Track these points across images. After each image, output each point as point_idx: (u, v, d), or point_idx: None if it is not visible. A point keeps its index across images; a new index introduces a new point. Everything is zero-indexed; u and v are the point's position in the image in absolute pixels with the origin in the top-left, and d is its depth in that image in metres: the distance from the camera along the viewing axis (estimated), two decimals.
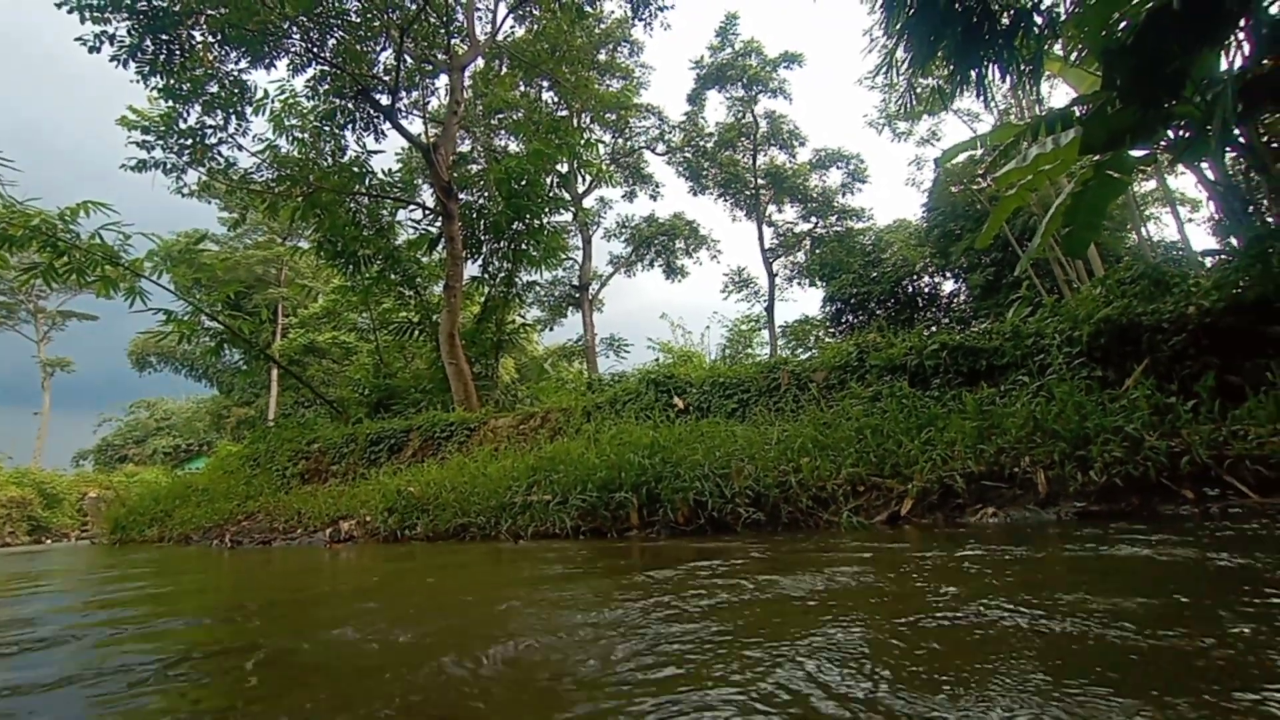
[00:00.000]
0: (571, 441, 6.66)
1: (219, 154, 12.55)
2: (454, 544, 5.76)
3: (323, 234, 13.23)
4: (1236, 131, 5.52)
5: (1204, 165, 6.86)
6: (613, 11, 21.40)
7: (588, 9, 16.70)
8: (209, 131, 12.22)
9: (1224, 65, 5.34)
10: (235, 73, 11.94)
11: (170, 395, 42.34)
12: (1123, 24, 5.42)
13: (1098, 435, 4.09)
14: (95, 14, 10.23)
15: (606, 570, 3.48)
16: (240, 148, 12.62)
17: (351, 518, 7.24)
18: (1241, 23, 4.76)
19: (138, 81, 11.02)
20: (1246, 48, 5.14)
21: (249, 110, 12.38)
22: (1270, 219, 6.56)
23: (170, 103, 11.65)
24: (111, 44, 10.55)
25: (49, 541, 18.71)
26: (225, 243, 32.55)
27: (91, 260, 10.76)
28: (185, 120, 11.96)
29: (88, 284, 11.26)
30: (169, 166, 12.42)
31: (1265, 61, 4.87)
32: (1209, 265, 7.08)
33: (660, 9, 15.50)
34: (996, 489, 4.23)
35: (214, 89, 11.76)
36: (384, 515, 6.69)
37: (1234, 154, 6.78)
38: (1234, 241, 6.37)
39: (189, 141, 12.13)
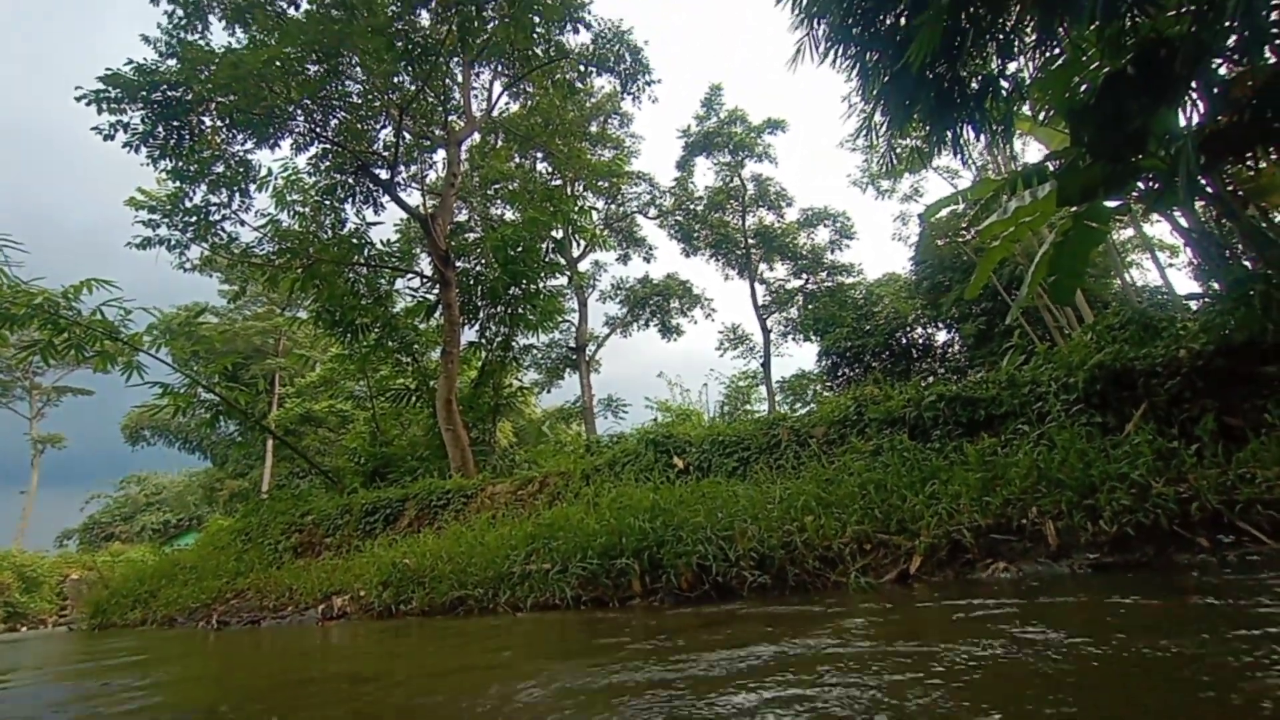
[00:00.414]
0: (570, 507, 6.53)
1: (222, 230, 12.89)
2: (450, 619, 5.54)
3: (321, 304, 13.41)
4: (1203, 182, 5.73)
5: (1177, 214, 7.10)
6: (603, 87, 22.54)
7: (578, 85, 17.61)
8: (213, 209, 12.59)
9: (1183, 121, 5.61)
10: (241, 153, 12.43)
11: (163, 469, 41.72)
12: (1083, 86, 5.72)
13: (1104, 483, 4.04)
14: (113, 106, 10.74)
15: (606, 651, 3.33)
16: (243, 223, 12.98)
17: (345, 593, 6.98)
18: (1193, 84, 5.03)
19: (148, 165, 11.44)
20: (1202, 106, 5.41)
21: (253, 187, 12.81)
22: (1247, 262, 6.72)
23: (177, 183, 12.06)
24: (125, 131, 11.01)
25: (24, 629, 17.90)
26: (225, 314, 32.95)
27: (91, 336, 10.84)
28: (191, 199, 12.35)
29: (86, 359, 11.31)
30: (173, 243, 12.73)
31: (1220, 118, 5.11)
32: (1194, 308, 7.20)
33: (648, 84, 16.35)
34: (1006, 542, 4.13)
35: (220, 169, 12.21)
36: (378, 589, 6.46)
37: (1204, 203, 7.02)
38: (1215, 285, 6.50)
39: (193, 219, 12.47)
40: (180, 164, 11.67)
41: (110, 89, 10.60)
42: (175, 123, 11.21)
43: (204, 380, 13.52)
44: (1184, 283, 21.05)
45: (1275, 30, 4.41)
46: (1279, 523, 3.49)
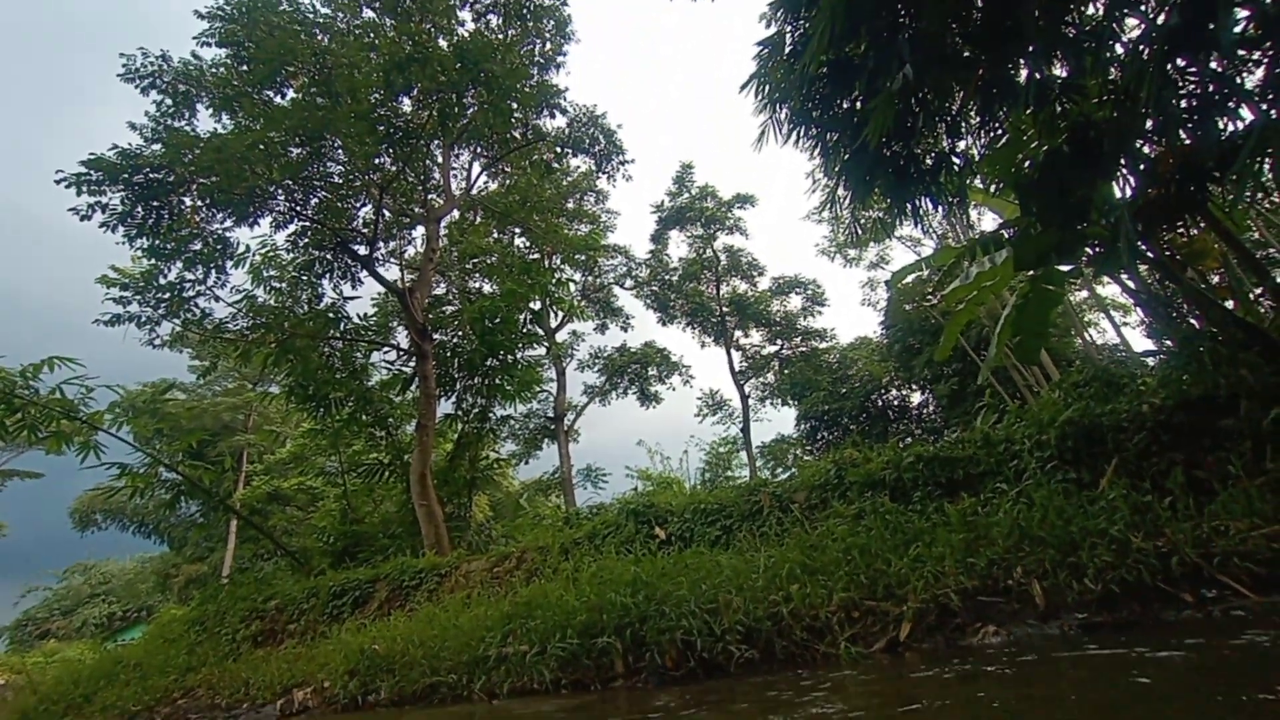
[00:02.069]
0: (549, 583, 6.27)
1: (195, 305, 12.77)
2: (422, 708, 5.16)
3: (295, 378, 13.17)
4: (1143, 247, 6.12)
5: (1125, 276, 7.52)
6: (579, 166, 23.56)
7: (555, 166, 18.38)
8: (188, 285, 12.52)
9: (1119, 193, 6.05)
10: (220, 231, 12.51)
11: (113, 555, 39.22)
12: (1027, 163, 6.17)
13: (1084, 540, 4.05)
14: (93, 188, 10.85)
15: None
16: (217, 299, 12.89)
17: (307, 685, 6.48)
18: (1122, 160, 5.46)
19: (123, 243, 11.43)
20: (1133, 180, 5.86)
21: (230, 264, 12.83)
22: (1194, 321, 7.08)
23: (153, 260, 12.02)
24: (103, 211, 11.07)
25: None
26: (193, 390, 32.12)
27: (48, 415, 10.44)
28: (166, 276, 12.28)
29: (39, 440, 10.82)
30: (143, 319, 12.53)
31: (1150, 190, 5.53)
32: (1152, 364, 7.49)
33: (622, 163, 17.15)
34: (994, 604, 4.06)
35: (198, 246, 12.23)
36: (344, 679, 6.02)
37: (1147, 266, 7.47)
38: (1169, 342, 6.81)
39: (167, 296, 12.36)
40: (157, 242, 11.67)
41: (92, 172, 10.74)
42: (155, 203, 11.32)
43: (166, 459, 12.98)
44: (1140, 340, 22.02)
45: (1185, 116, 4.86)
46: (1257, 575, 3.51)
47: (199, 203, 11.80)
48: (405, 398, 14.59)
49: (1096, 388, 6.11)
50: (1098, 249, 6.61)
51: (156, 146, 11.51)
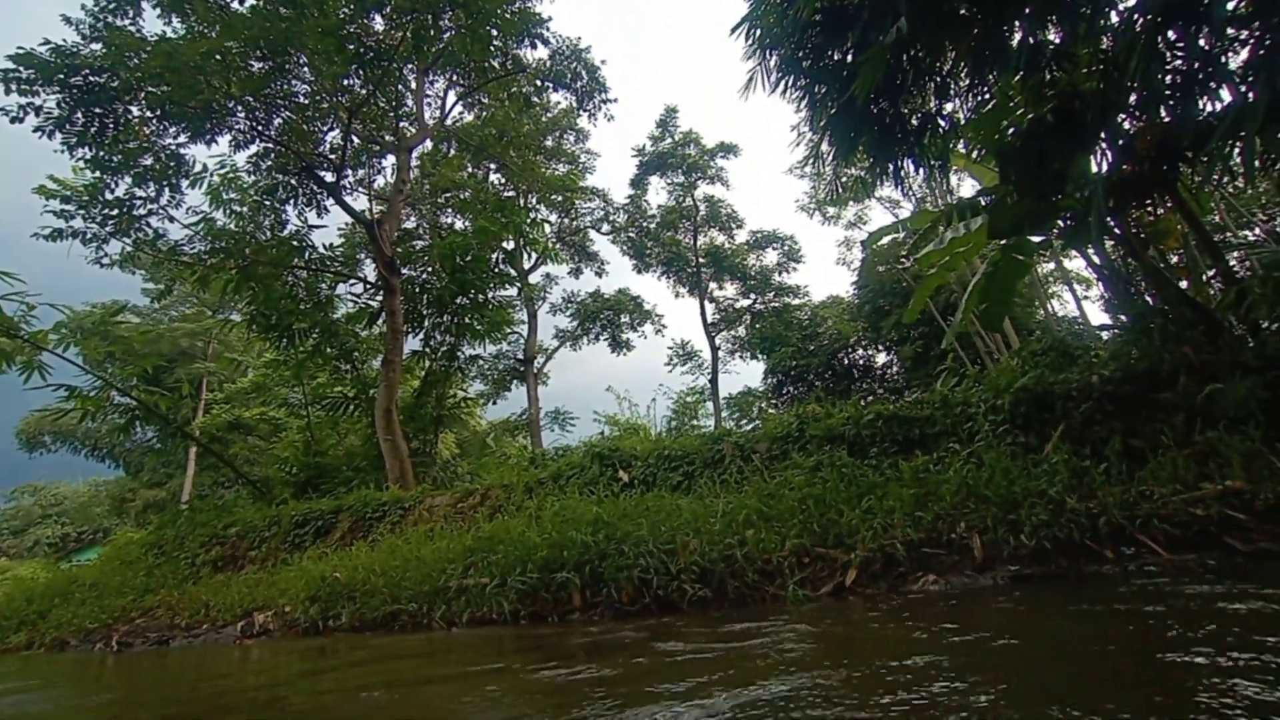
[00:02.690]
0: (512, 520, 6.40)
1: (147, 225, 12.09)
2: (381, 634, 5.30)
3: (257, 307, 12.73)
4: (1112, 223, 6.25)
5: (1091, 251, 7.69)
6: (559, 102, 22.64)
7: (535, 100, 17.60)
8: (138, 203, 11.81)
9: (1095, 168, 6.12)
10: (173, 147, 11.74)
11: (64, 478, 38.39)
12: (1011, 130, 6.16)
13: (1025, 499, 4.28)
14: (24, 87, 9.97)
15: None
16: (172, 219, 12.23)
17: (268, 609, 6.58)
18: (1102, 134, 5.49)
19: (62, 152, 10.64)
20: (1110, 155, 5.92)
21: (185, 183, 12.11)
22: (1149, 298, 7.34)
23: (97, 173, 11.26)
24: (37, 115, 10.23)
25: None
26: (148, 315, 30.87)
27: None
28: (113, 191, 11.54)
29: None
30: (89, 236, 11.83)
31: (1125, 167, 5.60)
32: (1105, 338, 7.79)
33: (604, 102, 16.53)
34: (936, 555, 4.30)
35: (148, 161, 11.48)
36: (305, 604, 6.12)
37: (1113, 242, 7.65)
38: (1123, 318, 7.07)
39: (114, 212, 11.65)
40: (102, 154, 10.89)
41: (22, 69, 9.84)
42: (97, 110, 10.49)
43: (119, 383, 12.56)
44: (1097, 314, 22.79)
45: (1168, 92, 4.88)
46: (1172, 535, 3.79)
47: (148, 114, 11.00)
48: (371, 332, 14.31)
49: (1053, 357, 6.34)
50: (1069, 222, 6.72)
51: (97, 46, 10.57)
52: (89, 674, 5.16)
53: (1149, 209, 6.55)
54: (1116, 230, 6.52)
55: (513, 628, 4.73)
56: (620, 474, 7.33)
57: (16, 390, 10.58)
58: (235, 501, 12.43)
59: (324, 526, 9.05)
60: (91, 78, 10.22)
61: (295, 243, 13.07)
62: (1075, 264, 20.21)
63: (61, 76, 10.03)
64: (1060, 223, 6.88)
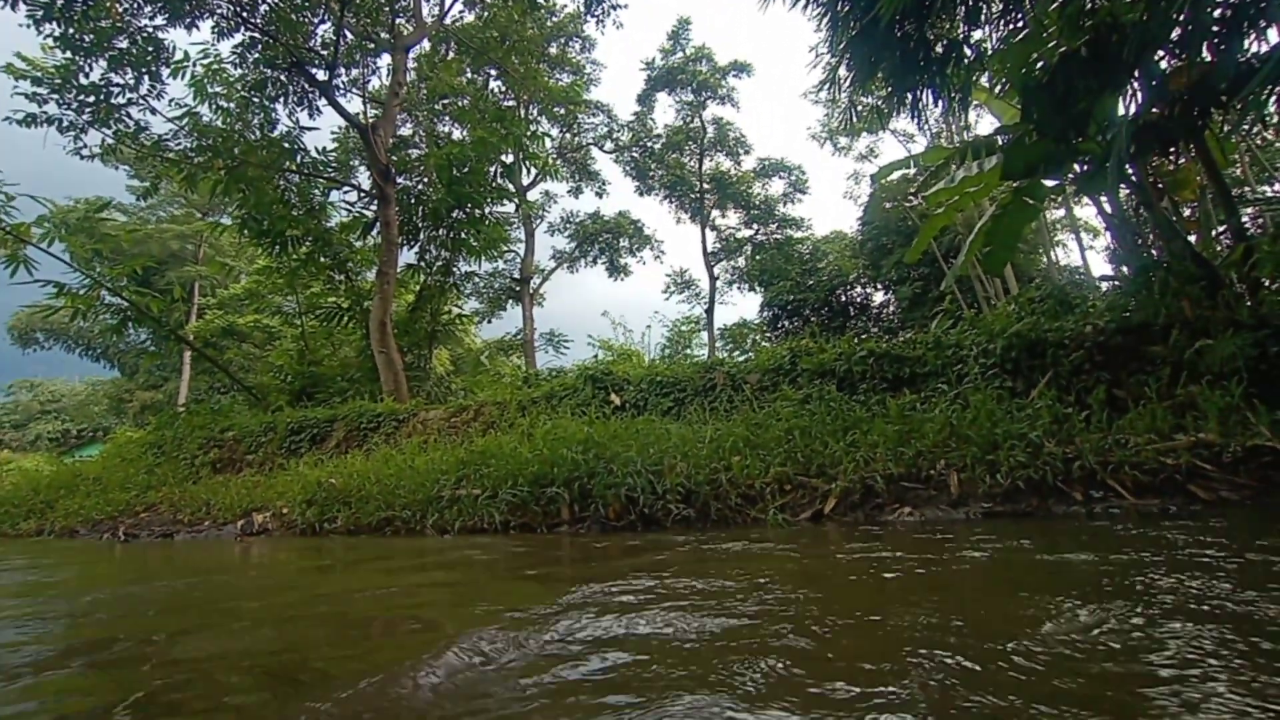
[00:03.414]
0: (504, 436, 6.55)
1: (127, 115, 11.52)
2: (376, 538, 5.54)
3: (247, 211, 12.37)
4: (1130, 170, 6.07)
5: (1103, 199, 7.52)
6: (565, 5, 21.22)
7: (539, 1, 16.46)
8: (115, 90, 11.18)
9: (1122, 110, 5.87)
10: (149, 29, 10.99)
11: (61, 375, 38.65)
12: (1040, 63, 5.85)
13: (1005, 441, 4.40)
14: None
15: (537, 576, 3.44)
16: (154, 111, 11.64)
17: (266, 509, 6.82)
18: (1136, 73, 5.23)
19: (28, 26, 9.94)
20: (1141, 96, 5.66)
21: (165, 72, 11.44)
22: (1155, 251, 7.25)
23: (69, 54, 10.58)
24: None
25: None
26: (135, 213, 30.04)
27: None
28: (87, 75, 10.89)
29: None
30: (65, 124, 11.28)
31: (1154, 110, 5.37)
32: (1104, 289, 7.76)
33: (613, 7, 15.46)
34: (914, 489, 4.47)
35: (124, 44, 10.79)
36: (302, 507, 6.35)
37: (1127, 191, 7.46)
38: (1125, 270, 7.02)
39: (91, 99, 11.05)
40: (72, 31, 10.19)
41: None
42: None
43: (109, 282, 12.39)
44: (1100, 265, 22.59)
45: (1215, 28, 4.61)
46: (1140, 482, 3.94)
47: None
48: (366, 243, 14.03)
49: (1050, 305, 6.33)
50: (1086, 167, 6.53)
51: None
52: (106, 559, 5.41)
53: (1171, 157, 6.35)
54: (1133, 178, 6.35)
55: (503, 536, 4.94)
56: (612, 397, 7.44)
57: (3, 284, 10.41)
58: (231, 407, 12.60)
59: (319, 434, 9.24)
60: None
61: (286, 144, 12.55)
62: (1085, 212, 19.81)
63: None
64: (1077, 167, 6.69)
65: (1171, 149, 6.29)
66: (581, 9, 17.01)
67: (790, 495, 4.68)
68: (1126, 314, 5.44)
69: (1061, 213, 19.91)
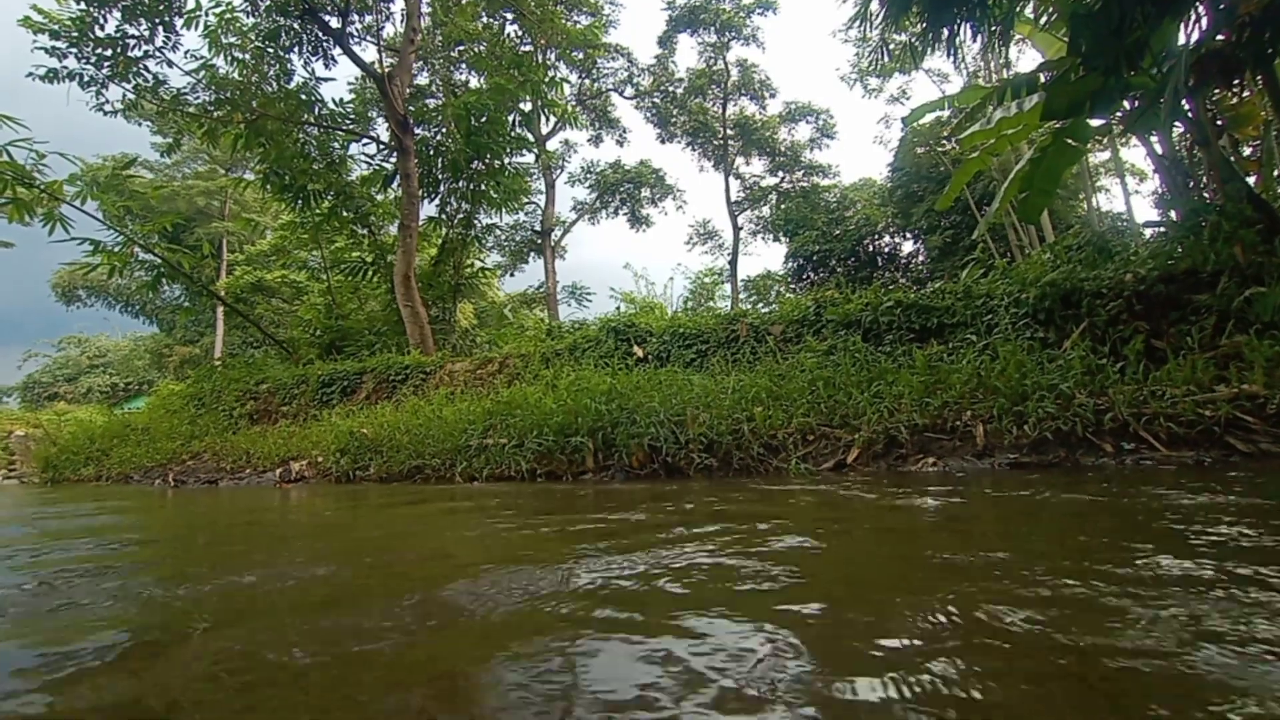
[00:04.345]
0: (529, 387, 6.64)
1: (145, 69, 11.48)
2: (408, 485, 5.75)
3: (269, 165, 12.40)
4: (1186, 106, 5.69)
5: (1153, 138, 7.08)
6: None
7: None
8: (132, 42, 11.11)
9: (1182, 38, 5.45)
10: None
11: (104, 331, 40.06)
12: None
13: (1034, 392, 4.32)
14: None
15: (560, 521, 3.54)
16: (170, 64, 11.57)
17: (303, 458, 7.11)
18: None
19: None
20: (1205, 22, 5.24)
21: (179, 23, 11.30)
22: (1207, 195, 6.86)
23: (83, 5, 10.50)
24: None
25: None
26: (160, 170, 30.33)
27: (0, 180, 9.85)
28: (102, 27, 10.82)
29: None
30: (86, 79, 11.30)
31: (1219, 37, 4.98)
32: (1148, 236, 7.41)
33: None
34: (938, 440, 4.44)
35: None
36: (336, 456, 6.59)
37: (1181, 129, 7.01)
38: (1173, 214, 6.66)
39: (108, 52, 11.01)
40: None
41: None
42: None
43: (141, 240, 12.63)
44: (1145, 211, 21.52)
45: None
46: (1175, 434, 3.85)
47: None
48: (387, 196, 13.99)
49: (1088, 253, 6.09)
50: (1137, 103, 6.14)
51: None
52: (161, 503, 5.72)
53: (1234, 89, 5.92)
54: (1189, 114, 5.96)
55: (530, 484, 5.08)
56: (635, 349, 7.46)
57: (39, 243, 10.68)
58: (264, 360, 12.97)
59: (349, 387, 9.49)
60: None
61: (304, 96, 12.41)
62: (1132, 154, 18.75)
63: None
64: (1126, 104, 6.28)
65: (1235, 80, 5.86)
66: None
67: (813, 445, 4.70)
68: (1171, 261, 5.20)
69: (1106, 155, 18.86)
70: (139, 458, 9.41)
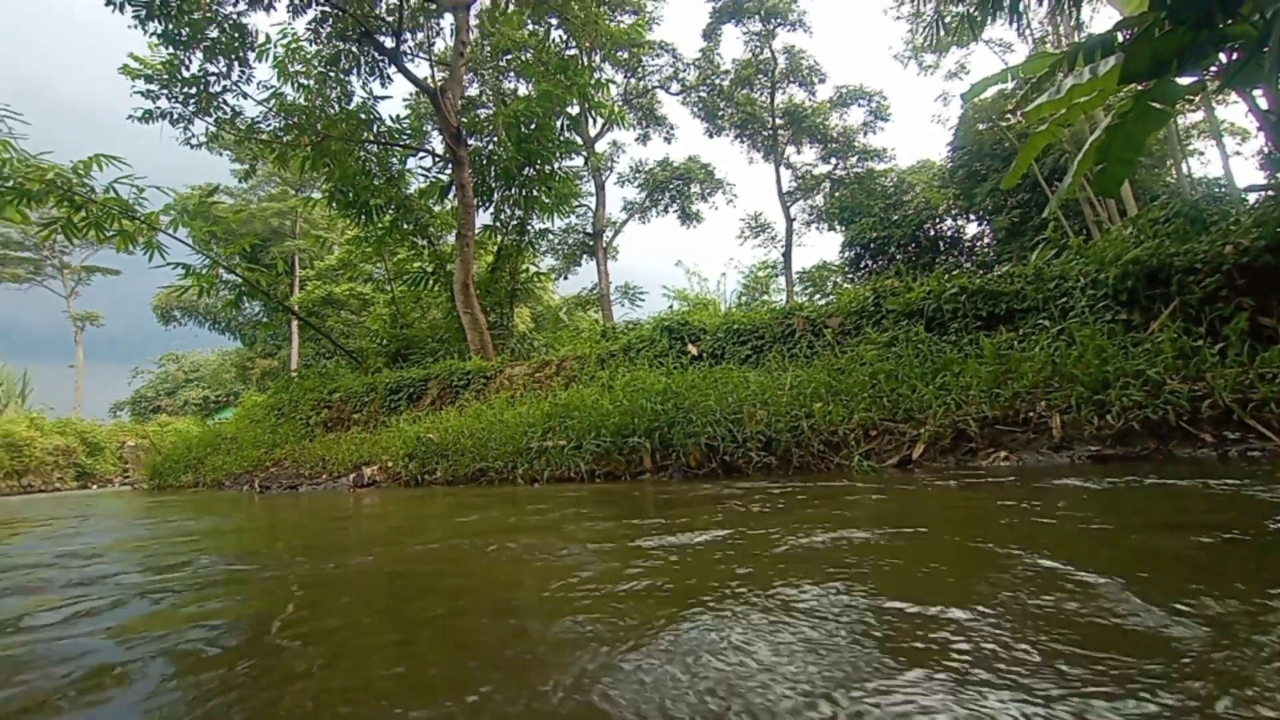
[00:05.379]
0: (586, 388, 6.73)
1: (224, 103, 12.38)
2: (473, 487, 5.93)
3: (334, 184, 13.12)
4: None
5: (1257, 93, 6.43)
6: None
7: None
8: (212, 79, 12.01)
9: None
10: (234, 16, 11.60)
11: (196, 348, 43.36)
12: None
13: (1118, 379, 4.02)
14: None
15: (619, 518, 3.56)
16: (245, 95, 12.41)
17: (374, 463, 7.46)
18: None
19: (135, 27, 10.77)
20: None
21: (252, 56, 12.10)
22: None
23: (171, 49, 11.41)
24: None
25: (95, 487, 19.65)
26: (239, 195, 32.51)
27: (108, 214, 10.83)
28: (188, 68, 11.75)
29: (107, 239, 11.35)
30: (175, 117, 12.29)
31: None
32: (1252, 201, 6.74)
33: None
34: (1010, 433, 4.21)
35: (214, 33, 11.48)
36: (405, 461, 6.89)
37: None
38: None
39: (193, 90, 11.94)
40: (170, 26, 10.96)
41: None
42: None
43: (224, 261, 13.60)
44: (1249, 174, 19.64)
45: None
46: None
47: None
48: (444, 207, 14.50)
49: (1179, 224, 5.60)
50: (1234, 56, 5.59)
51: None
52: (250, 507, 6.16)
53: None
54: None
55: (589, 485, 5.15)
56: (689, 348, 7.43)
57: (140, 269, 11.69)
58: (336, 370, 13.71)
59: (415, 393, 9.89)
60: None
61: (363, 115, 13.04)
62: (1231, 112, 17.14)
63: None
64: (1221, 57, 5.73)
65: None
66: None
67: (875, 441, 4.54)
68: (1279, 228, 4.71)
69: (1199, 115, 17.32)
70: (229, 465, 10.15)
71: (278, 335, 30.54)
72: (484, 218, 14.38)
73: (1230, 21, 4.99)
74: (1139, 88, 5.95)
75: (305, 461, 8.75)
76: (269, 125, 12.76)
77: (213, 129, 12.94)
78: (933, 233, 19.91)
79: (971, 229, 19.77)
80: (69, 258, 36.44)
